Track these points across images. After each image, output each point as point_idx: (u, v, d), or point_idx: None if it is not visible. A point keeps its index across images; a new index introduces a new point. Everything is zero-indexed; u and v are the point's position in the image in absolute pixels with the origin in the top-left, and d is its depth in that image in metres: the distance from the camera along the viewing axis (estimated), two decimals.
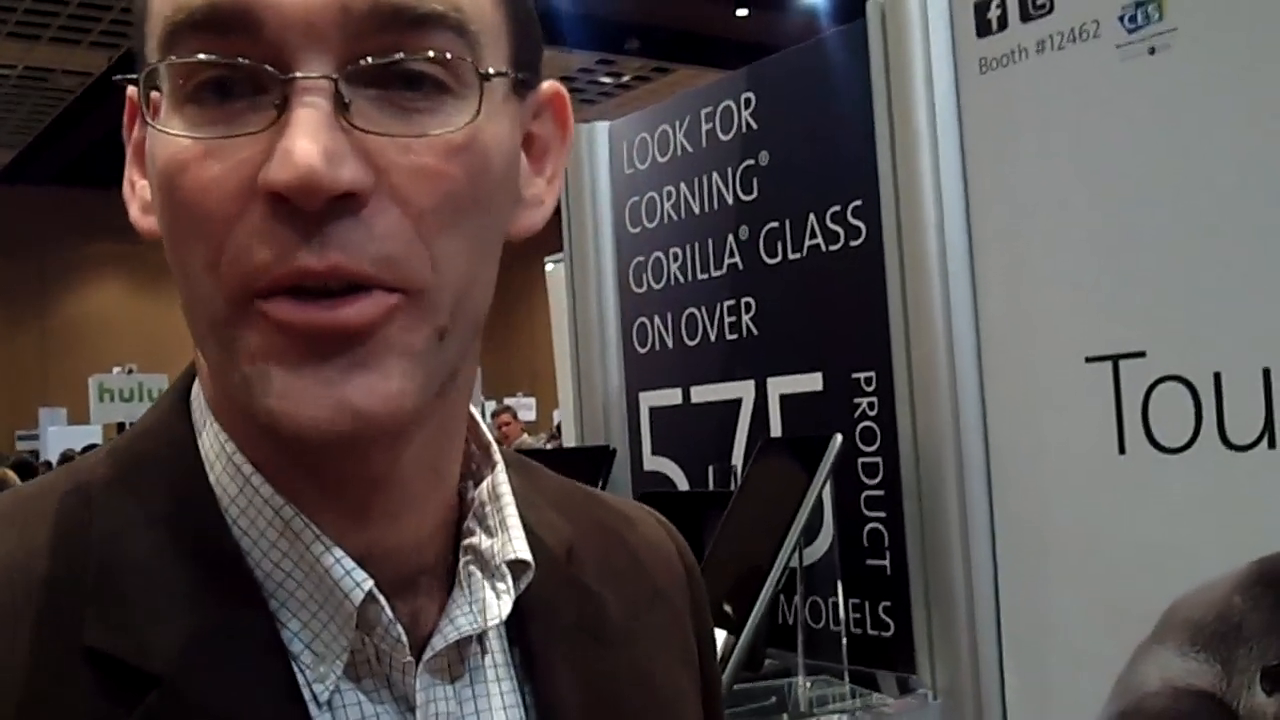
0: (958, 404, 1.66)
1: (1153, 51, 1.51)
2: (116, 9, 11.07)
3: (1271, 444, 1.41)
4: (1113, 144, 1.55)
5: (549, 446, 10.43)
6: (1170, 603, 1.51)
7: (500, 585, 0.67)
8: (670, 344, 2.12)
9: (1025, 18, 1.64)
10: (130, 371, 11.33)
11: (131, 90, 0.65)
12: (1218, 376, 1.46)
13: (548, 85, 0.69)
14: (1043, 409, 1.62)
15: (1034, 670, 1.63)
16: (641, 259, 2.19)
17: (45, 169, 15.82)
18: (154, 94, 0.60)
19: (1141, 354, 1.52)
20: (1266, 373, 1.41)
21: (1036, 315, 1.63)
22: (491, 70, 0.60)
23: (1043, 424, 1.62)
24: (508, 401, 12.87)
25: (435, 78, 0.58)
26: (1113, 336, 1.54)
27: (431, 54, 0.58)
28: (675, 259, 2.12)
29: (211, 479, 0.64)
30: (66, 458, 10.47)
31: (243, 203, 0.57)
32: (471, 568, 0.68)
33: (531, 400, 14.92)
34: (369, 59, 0.57)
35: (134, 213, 0.67)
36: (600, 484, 1.98)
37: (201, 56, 0.57)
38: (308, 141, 0.55)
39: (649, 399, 2.16)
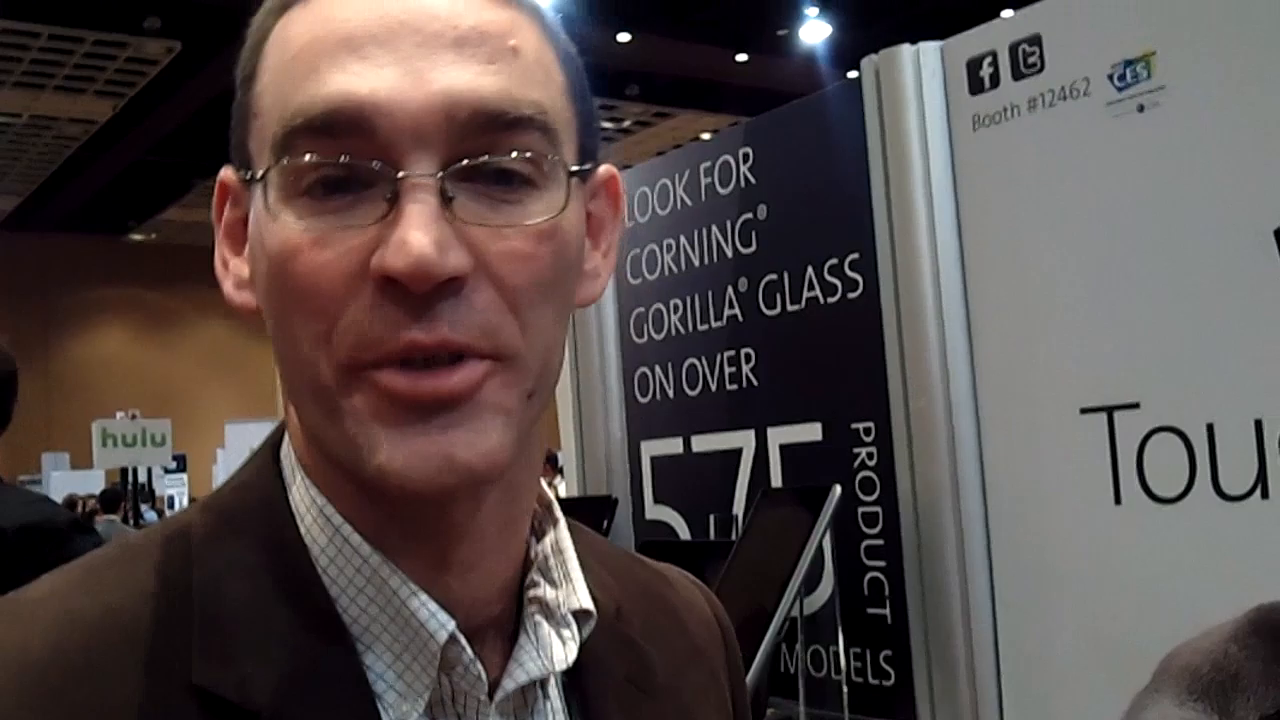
0: (956, 454, 1.68)
1: (1141, 109, 1.54)
2: (121, 59, 11.18)
3: (1264, 494, 1.43)
4: (1104, 199, 1.58)
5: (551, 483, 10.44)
6: (1168, 651, 1.52)
7: (566, 633, 0.72)
8: (671, 394, 2.15)
9: (1017, 75, 1.67)
10: (133, 416, 11.37)
11: (224, 174, 0.72)
12: (1210, 428, 1.48)
13: (604, 169, 0.75)
14: (1039, 459, 1.64)
15: (1034, 718, 1.64)
16: (642, 310, 2.22)
17: (50, 215, 15.91)
18: (266, 185, 0.65)
19: (1135, 405, 1.54)
20: (1258, 424, 1.43)
21: (1032, 367, 1.65)
22: (575, 167, 0.67)
23: (1040, 474, 1.64)
24: None
25: (524, 174, 0.65)
26: (1107, 388, 1.57)
27: (521, 153, 0.64)
28: (676, 310, 2.14)
29: (302, 529, 0.69)
30: (70, 502, 10.47)
31: (354, 284, 0.63)
32: (538, 617, 0.72)
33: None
34: (468, 160, 0.63)
35: (228, 288, 0.72)
36: (603, 534, 2.00)
37: (318, 158, 0.63)
38: (421, 233, 0.61)
39: (650, 448, 2.18)
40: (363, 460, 0.63)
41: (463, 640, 0.67)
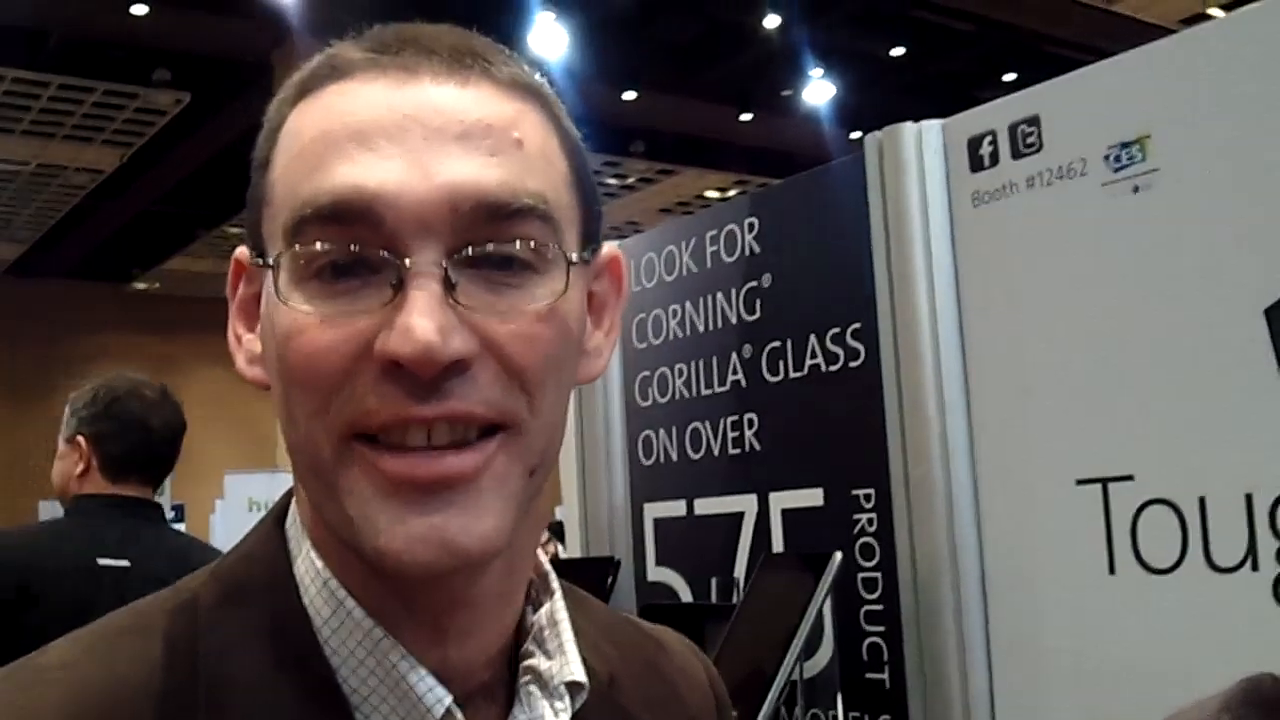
0: (954, 523, 1.71)
1: (1136, 190, 1.59)
2: (130, 109, 11.29)
3: (1254, 566, 1.47)
4: (1100, 276, 1.62)
5: (546, 550, 10.41)
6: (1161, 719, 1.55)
7: (559, 704, 0.74)
8: (675, 457, 2.18)
9: (1016, 155, 1.72)
10: None
11: (239, 253, 0.75)
12: (1202, 500, 1.51)
13: (607, 250, 0.78)
14: (1036, 529, 1.67)
15: None
16: (648, 373, 2.26)
17: (55, 263, 15.99)
18: (278, 269, 0.68)
19: (1130, 477, 1.58)
20: (1249, 497, 1.47)
21: (1029, 438, 1.69)
22: (574, 256, 0.70)
23: (1036, 543, 1.67)
24: None
25: (525, 260, 0.67)
26: (1102, 460, 1.60)
27: (523, 243, 0.67)
28: (680, 374, 2.18)
29: (306, 601, 0.71)
30: None
31: (357, 364, 0.65)
32: (531, 687, 0.74)
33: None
34: (471, 248, 0.66)
35: (240, 362, 0.75)
36: (605, 594, 2.03)
37: (327, 246, 0.66)
38: (425, 319, 0.64)
39: (653, 510, 2.21)
40: (361, 540, 0.66)
41: (459, 715, 0.69)
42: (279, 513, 0.76)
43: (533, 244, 0.67)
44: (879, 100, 10.73)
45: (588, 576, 2.07)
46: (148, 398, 2.64)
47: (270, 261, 0.68)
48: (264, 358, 0.72)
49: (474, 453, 0.65)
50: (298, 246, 0.67)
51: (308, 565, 0.72)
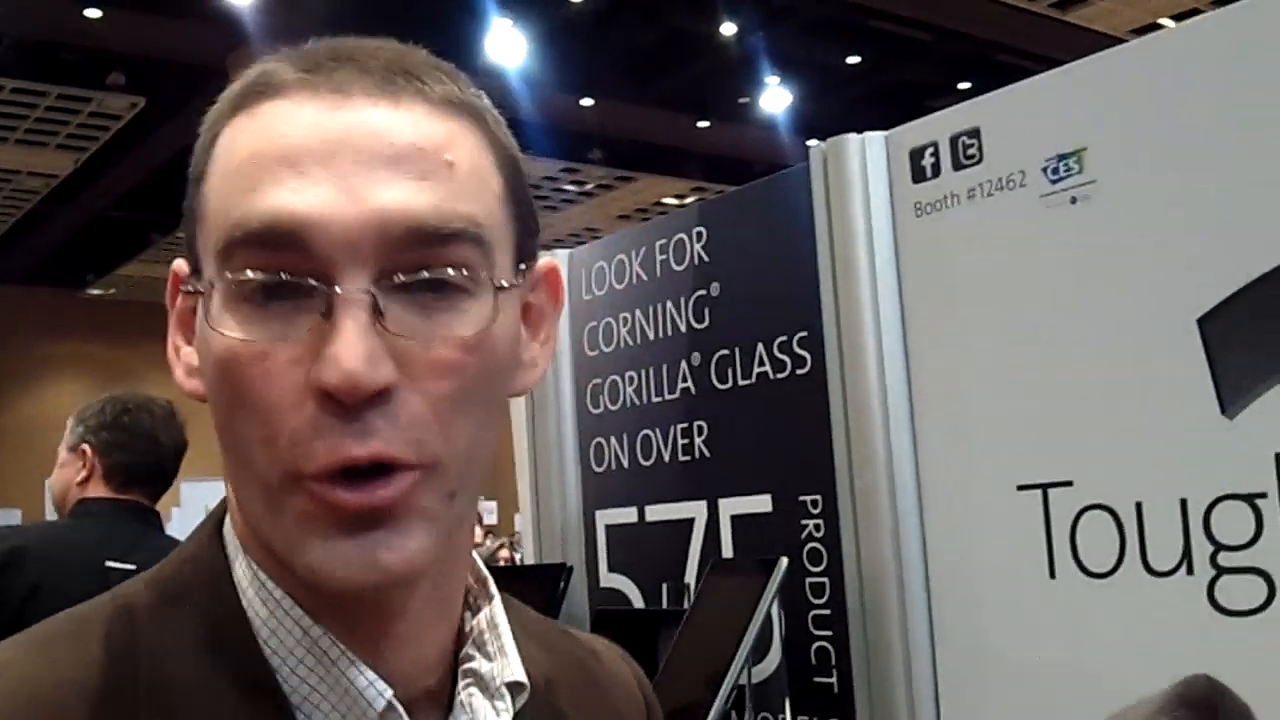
0: (898, 528, 1.74)
1: (1074, 201, 1.63)
2: (84, 114, 11.19)
3: (1189, 570, 1.50)
4: (1039, 286, 1.65)
5: (499, 556, 10.40)
6: None
7: (500, 704, 0.76)
8: (626, 464, 2.20)
9: (957, 166, 1.75)
10: None
11: (177, 266, 0.75)
12: (1139, 506, 1.55)
13: (544, 262, 0.79)
14: (978, 534, 1.70)
15: None
16: (599, 381, 2.27)
17: (8, 269, 15.81)
18: (210, 292, 0.69)
19: (1069, 483, 1.61)
20: (1184, 503, 1.50)
21: (972, 445, 1.72)
22: (505, 283, 0.70)
23: (978, 548, 1.70)
24: None
25: (457, 284, 0.68)
26: (1042, 466, 1.63)
27: (454, 268, 0.68)
28: (631, 382, 2.20)
29: (244, 602, 0.72)
30: None
31: (295, 396, 0.66)
32: (472, 689, 0.76)
33: (493, 504, 14.87)
34: (401, 274, 0.67)
35: (179, 375, 0.75)
36: (558, 601, 2.04)
37: (256, 275, 0.67)
38: (351, 349, 0.65)
39: (605, 517, 2.23)
40: (297, 558, 0.67)
41: (400, 709, 0.70)
42: (217, 518, 0.77)
43: (465, 270, 0.68)
44: (836, 108, 10.81)
45: (540, 583, 2.08)
46: (156, 414, 2.69)
47: (201, 286, 0.69)
48: (201, 373, 0.72)
49: (400, 481, 0.67)
50: (228, 274, 0.67)
51: (245, 570, 0.73)
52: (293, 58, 0.73)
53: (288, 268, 0.66)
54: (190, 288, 0.72)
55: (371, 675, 0.70)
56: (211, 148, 0.72)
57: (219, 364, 0.68)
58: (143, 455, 2.63)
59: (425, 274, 0.67)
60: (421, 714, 0.74)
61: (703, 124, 12.37)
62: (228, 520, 0.76)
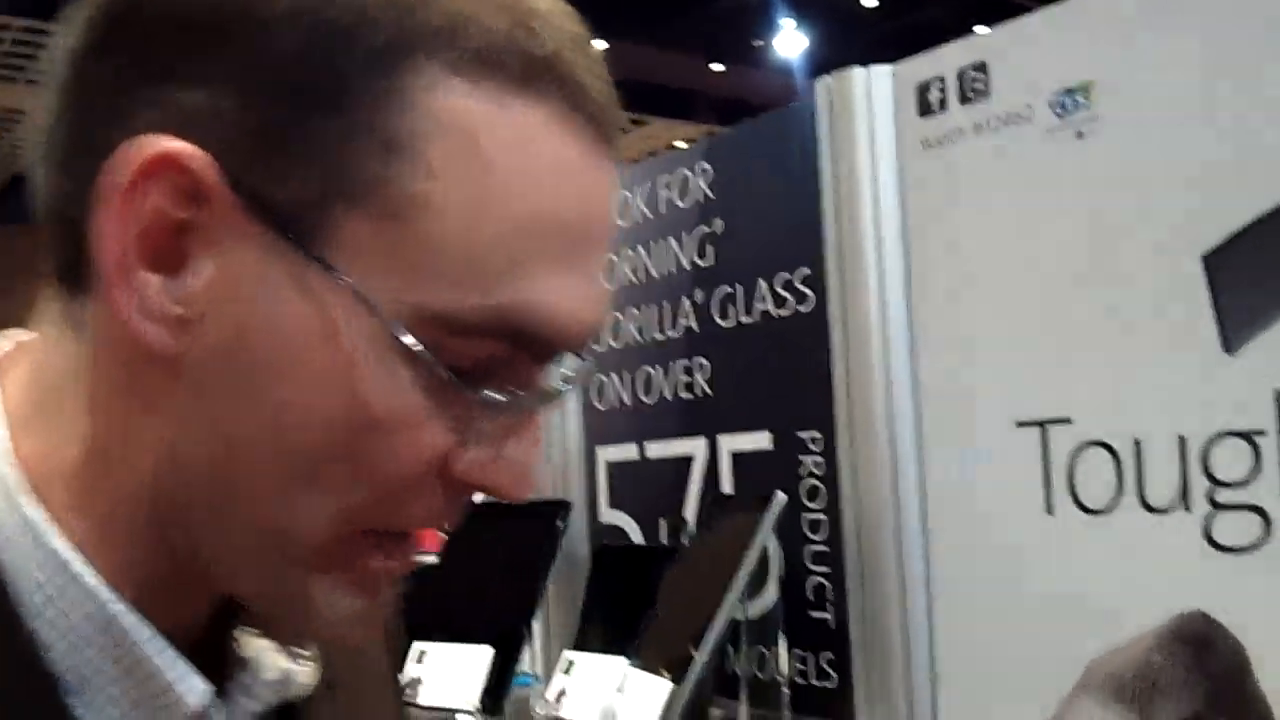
0: (896, 465, 1.73)
1: (1080, 136, 1.61)
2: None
3: (1187, 508, 1.49)
4: (1043, 221, 1.64)
5: None
6: (1094, 657, 1.58)
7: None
8: (628, 401, 2.20)
9: (964, 100, 1.73)
10: None
11: (183, 149, 0.51)
12: (1138, 443, 1.54)
13: None
14: (976, 470, 1.70)
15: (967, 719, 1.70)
16: None
17: (20, 209, 15.80)
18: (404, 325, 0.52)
19: (1068, 420, 1.60)
20: (1182, 440, 1.50)
21: (972, 381, 1.71)
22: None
23: (976, 484, 1.70)
24: None
25: None
26: (1042, 402, 1.63)
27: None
28: (634, 319, 2.20)
29: (4, 559, 0.56)
30: None
31: (426, 467, 0.55)
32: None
33: None
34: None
35: (130, 309, 0.54)
36: (557, 536, 2.05)
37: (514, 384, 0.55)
38: (536, 459, 0.56)
39: (606, 454, 2.23)
40: (291, 611, 0.58)
41: (217, 712, 0.60)
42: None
43: None
44: (850, 52, 10.71)
45: (539, 519, 2.09)
46: None
47: (359, 288, 0.51)
48: (199, 327, 0.53)
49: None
50: (453, 343, 0.53)
51: (14, 515, 0.56)
52: (554, 33, 0.55)
53: (510, 364, 0.55)
54: (295, 237, 0.51)
55: (184, 668, 0.58)
56: (440, 115, 0.52)
57: (360, 413, 0.52)
58: None
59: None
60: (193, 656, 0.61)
61: (716, 67, 12.28)
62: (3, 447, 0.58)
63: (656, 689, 1.58)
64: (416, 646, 1.96)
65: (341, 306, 0.51)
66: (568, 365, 0.58)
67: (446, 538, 2.27)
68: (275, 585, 0.57)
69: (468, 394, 0.53)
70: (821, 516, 1.84)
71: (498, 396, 0.53)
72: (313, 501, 0.54)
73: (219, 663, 0.62)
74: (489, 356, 0.53)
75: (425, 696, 1.90)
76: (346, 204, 0.51)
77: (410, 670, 1.94)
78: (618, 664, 1.72)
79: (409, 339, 0.51)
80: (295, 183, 0.51)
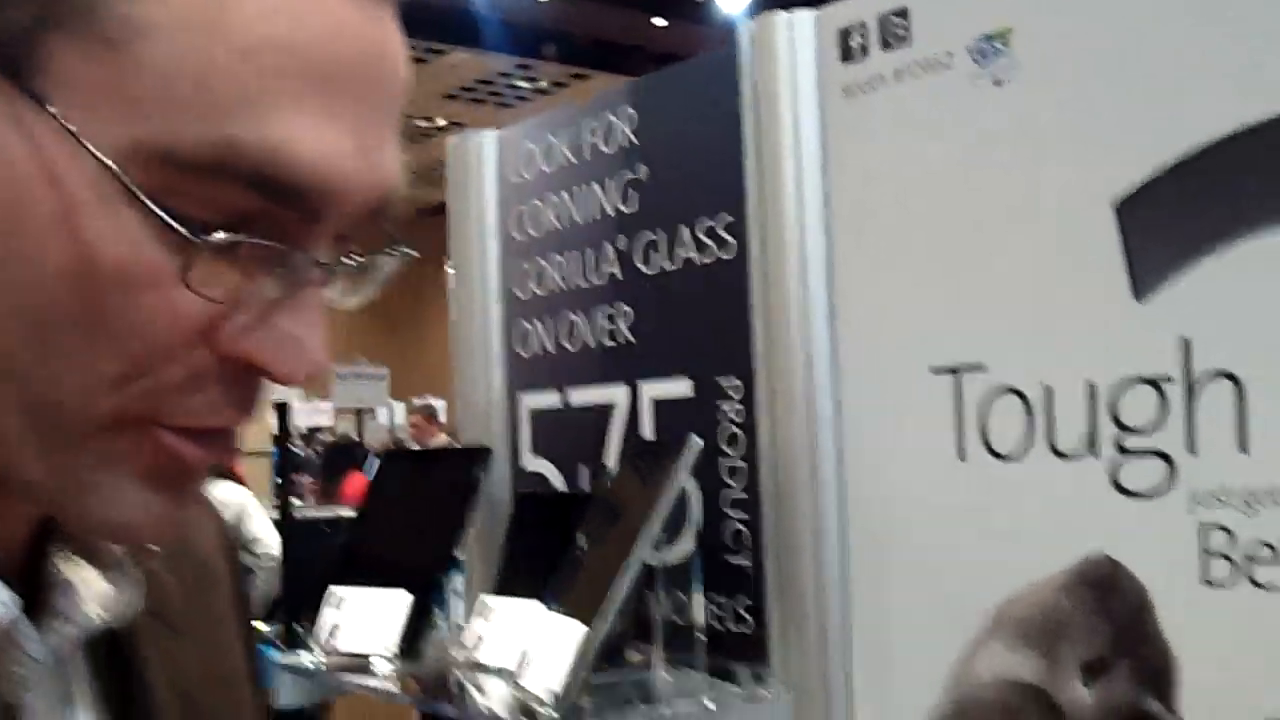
0: (812, 411, 1.74)
1: (999, 83, 1.61)
2: None
3: (1095, 454, 1.51)
4: (961, 169, 1.64)
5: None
6: (1003, 601, 1.61)
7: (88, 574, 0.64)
8: (551, 348, 2.19)
9: (886, 46, 1.73)
10: None
11: None
12: (1049, 389, 1.55)
13: None
14: (892, 417, 1.71)
15: (879, 664, 1.71)
16: (526, 265, 2.25)
17: None
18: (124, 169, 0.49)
19: (981, 366, 1.61)
20: (1091, 387, 1.51)
21: (888, 328, 1.71)
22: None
23: (891, 431, 1.71)
24: (420, 402, 12.72)
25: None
26: (955, 349, 1.64)
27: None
28: (557, 266, 2.18)
29: None
30: None
31: (189, 339, 0.52)
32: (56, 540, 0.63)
33: (442, 403, 14.85)
34: (358, 257, 0.56)
35: None
36: (476, 483, 2.04)
37: (215, 216, 0.50)
38: (321, 341, 0.54)
39: (529, 400, 2.22)
40: (81, 505, 0.54)
41: (23, 624, 0.57)
42: None
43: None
44: (791, 7, 10.67)
45: (459, 466, 2.08)
46: None
47: (112, 164, 0.48)
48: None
49: (229, 445, 0.56)
50: (168, 192, 0.49)
51: None
52: None
53: (263, 220, 0.51)
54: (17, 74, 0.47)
55: None
56: None
57: (88, 264, 0.49)
58: None
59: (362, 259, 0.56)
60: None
61: (659, 21, 12.18)
62: None
63: (572, 632, 1.58)
64: (335, 592, 1.95)
65: (59, 145, 0.47)
66: (361, 244, 0.56)
67: (369, 485, 2.26)
68: (59, 474, 0.53)
69: (200, 239, 0.49)
70: (740, 463, 1.84)
71: (234, 237, 0.50)
72: (72, 370, 0.50)
73: (37, 589, 0.60)
74: (237, 207, 0.50)
75: (343, 642, 1.89)
76: (60, 31, 0.47)
77: (328, 616, 1.93)
78: (536, 608, 1.72)
79: (127, 177, 0.48)
80: (8, 9, 0.48)
